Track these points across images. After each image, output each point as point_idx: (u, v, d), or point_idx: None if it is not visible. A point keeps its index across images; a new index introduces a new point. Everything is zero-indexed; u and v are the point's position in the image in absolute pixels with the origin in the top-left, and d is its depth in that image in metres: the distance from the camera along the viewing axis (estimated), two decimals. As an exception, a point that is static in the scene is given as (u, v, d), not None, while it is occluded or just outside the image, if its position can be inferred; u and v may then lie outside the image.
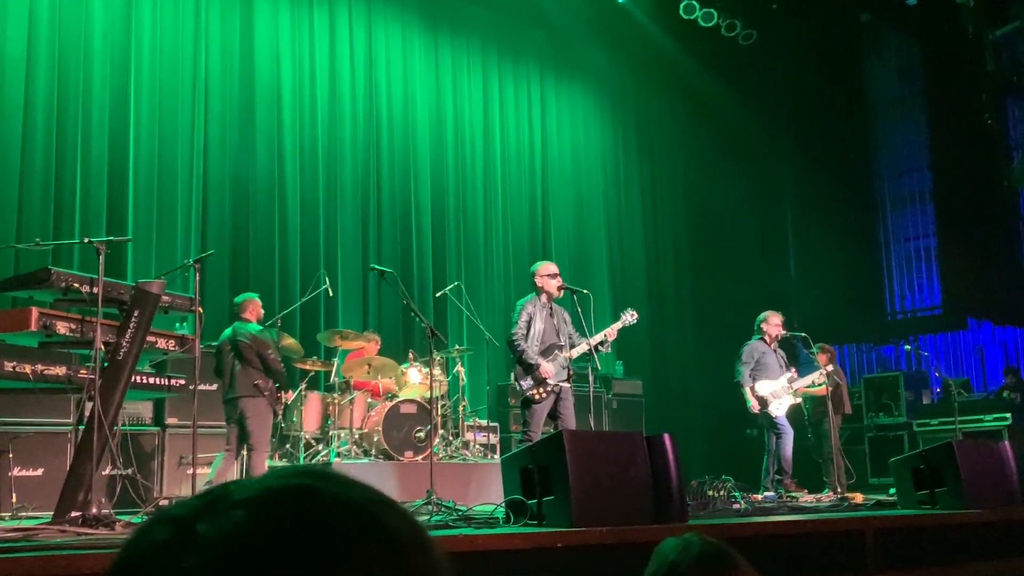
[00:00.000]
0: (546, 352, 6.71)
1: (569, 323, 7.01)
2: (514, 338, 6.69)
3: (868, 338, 14.45)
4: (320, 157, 10.37)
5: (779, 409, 8.40)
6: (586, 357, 6.84)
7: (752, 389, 8.41)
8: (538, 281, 6.92)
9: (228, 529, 0.59)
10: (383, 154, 10.97)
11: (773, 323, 8.68)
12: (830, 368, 8.83)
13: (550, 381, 6.63)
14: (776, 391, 8.41)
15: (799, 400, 8.69)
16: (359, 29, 11.00)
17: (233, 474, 6.88)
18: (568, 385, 6.80)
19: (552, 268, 7.01)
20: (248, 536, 0.59)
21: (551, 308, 6.91)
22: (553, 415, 6.77)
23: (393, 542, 0.63)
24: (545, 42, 12.83)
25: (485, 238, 11.81)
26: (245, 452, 6.83)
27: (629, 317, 7.03)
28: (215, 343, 7.35)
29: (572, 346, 6.80)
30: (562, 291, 6.93)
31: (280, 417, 7.42)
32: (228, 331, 7.03)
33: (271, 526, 0.60)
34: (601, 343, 6.77)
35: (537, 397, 6.63)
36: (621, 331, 7.04)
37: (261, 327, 7.08)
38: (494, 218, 11.97)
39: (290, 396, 7.63)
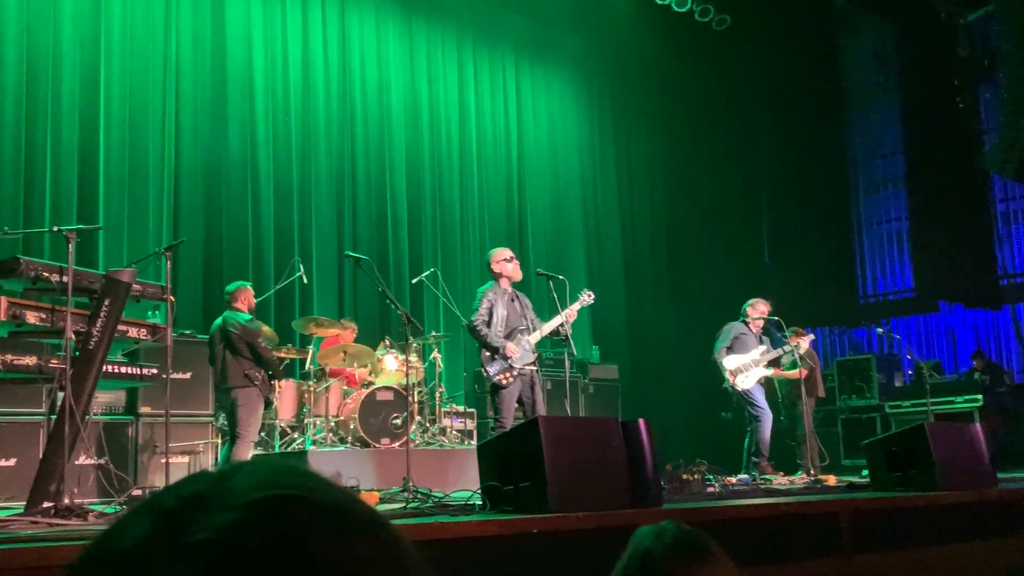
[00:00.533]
0: (509, 336, 6.73)
1: (531, 308, 7.03)
2: (475, 324, 6.70)
3: (841, 321, 14.57)
4: (294, 143, 10.28)
5: (745, 382, 8.51)
6: (562, 343, 6.85)
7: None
8: (495, 268, 6.93)
9: (195, 558, 0.57)
10: (358, 140, 10.89)
11: (758, 309, 8.88)
12: (803, 349, 8.92)
13: (515, 363, 6.64)
14: (744, 364, 8.53)
15: (769, 372, 8.79)
16: (332, 13, 10.89)
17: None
18: (535, 368, 6.83)
19: (507, 253, 7.03)
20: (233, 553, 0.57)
21: (513, 294, 6.93)
22: (523, 401, 6.79)
23: None
24: (521, 27, 12.77)
25: (461, 224, 11.77)
26: (230, 439, 6.81)
27: (587, 297, 7.06)
28: (188, 330, 7.28)
29: (535, 329, 6.82)
30: (519, 273, 6.96)
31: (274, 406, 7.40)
32: (219, 320, 6.97)
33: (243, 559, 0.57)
34: (561, 324, 6.79)
35: (504, 382, 6.64)
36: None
37: (251, 316, 7.03)
38: (470, 204, 11.93)
39: (283, 385, 7.58)
